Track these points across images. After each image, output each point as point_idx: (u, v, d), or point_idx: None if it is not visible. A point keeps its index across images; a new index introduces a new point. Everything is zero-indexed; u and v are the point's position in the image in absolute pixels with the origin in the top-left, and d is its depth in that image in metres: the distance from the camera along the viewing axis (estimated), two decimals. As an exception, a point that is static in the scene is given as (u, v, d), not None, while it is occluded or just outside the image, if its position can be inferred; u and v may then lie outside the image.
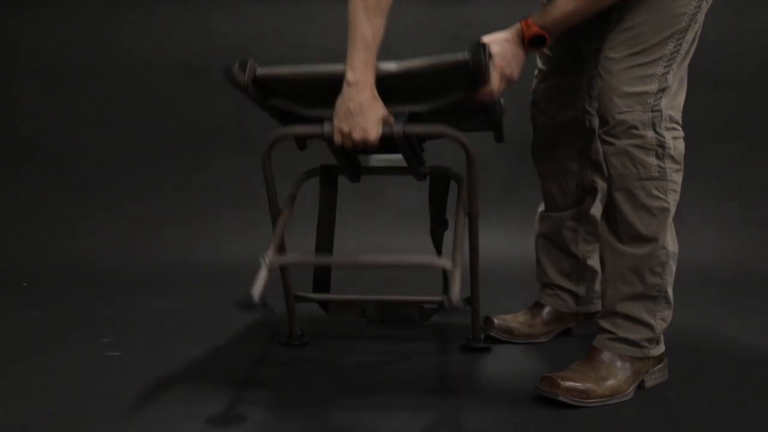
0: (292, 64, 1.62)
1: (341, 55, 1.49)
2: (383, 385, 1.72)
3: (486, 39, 1.62)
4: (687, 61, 1.62)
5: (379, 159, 1.82)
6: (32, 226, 2.88)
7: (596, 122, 1.87)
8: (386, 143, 1.60)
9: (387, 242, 2.61)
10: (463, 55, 1.50)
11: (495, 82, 1.59)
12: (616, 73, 1.59)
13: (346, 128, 1.53)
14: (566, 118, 1.87)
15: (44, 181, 2.96)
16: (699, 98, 2.77)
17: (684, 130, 1.63)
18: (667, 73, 1.58)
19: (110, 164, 2.94)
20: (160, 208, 2.90)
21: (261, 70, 1.61)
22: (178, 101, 2.95)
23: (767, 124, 2.86)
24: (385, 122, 1.55)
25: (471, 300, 1.79)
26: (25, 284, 2.57)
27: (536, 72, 1.92)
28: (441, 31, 2.93)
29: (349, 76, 1.51)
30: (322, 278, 1.95)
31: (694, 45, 1.62)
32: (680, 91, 1.62)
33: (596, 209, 1.95)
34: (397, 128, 1.56)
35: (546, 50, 1.88)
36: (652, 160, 1.58)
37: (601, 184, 1.94)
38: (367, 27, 1.51)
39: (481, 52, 1.48)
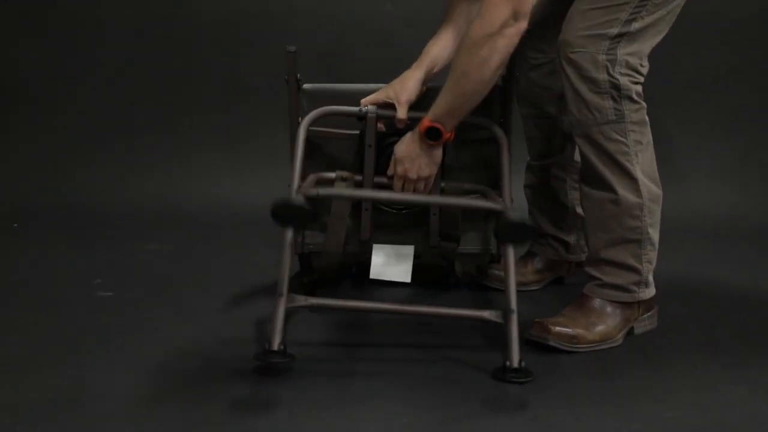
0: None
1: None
2: (372, 326, 1.73)
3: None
4: (663, 12, 1.57)
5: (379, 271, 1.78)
6: (22, 169, 2.85)
7: None
8: None
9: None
10: None
11: (390, 168, 1.68)
12: (576, 14, 1.56)
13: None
14: (547, 63, 1.85)
15: (34, 123, 2.93)
16: (699, 43, 2.74)
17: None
18: (633, 20, 1.54)
19: (100, 107, 2.90)
20: (151, 151, 2.87)
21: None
22: (169, 44, 2.90)
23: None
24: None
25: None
26: (15, 225, 2.56)
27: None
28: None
29: None
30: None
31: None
32: (648, 39, 1.58)
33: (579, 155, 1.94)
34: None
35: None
36: (609, 104, 1.56)
37: None
38: None
39: None
